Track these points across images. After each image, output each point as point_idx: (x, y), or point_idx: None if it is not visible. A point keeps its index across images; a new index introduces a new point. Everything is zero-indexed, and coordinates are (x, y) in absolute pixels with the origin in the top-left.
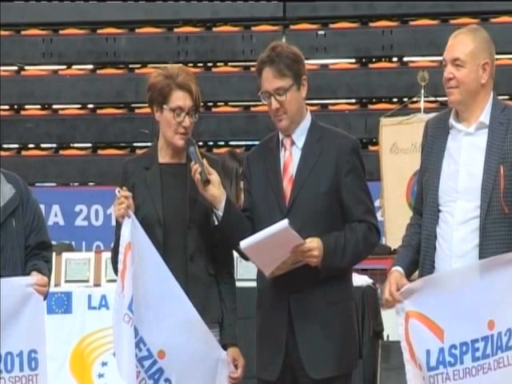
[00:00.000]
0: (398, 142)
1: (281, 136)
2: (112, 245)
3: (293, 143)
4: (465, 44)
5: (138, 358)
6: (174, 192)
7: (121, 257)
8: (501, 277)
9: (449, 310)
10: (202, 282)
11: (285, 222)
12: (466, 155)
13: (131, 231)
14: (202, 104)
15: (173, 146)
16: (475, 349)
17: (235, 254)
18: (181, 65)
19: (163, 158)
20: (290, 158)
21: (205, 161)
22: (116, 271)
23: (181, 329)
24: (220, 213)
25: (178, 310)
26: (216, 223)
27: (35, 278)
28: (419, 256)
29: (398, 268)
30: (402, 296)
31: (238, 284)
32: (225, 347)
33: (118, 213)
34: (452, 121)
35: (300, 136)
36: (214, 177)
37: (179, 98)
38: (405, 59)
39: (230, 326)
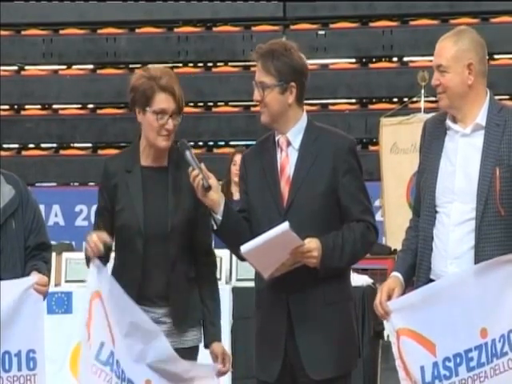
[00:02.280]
0: (398, 141)
1: (277, 136)
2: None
3: (289, 144)
4: (447, 49)
5: None
6: (156, 198)
7: (86, 305)
8: (494, 281)
9: (440, 322)
10: (182, 288)
11: (285, 225)
12: (463, 156)
13: (98, 279)
14: (201, 104)
15: (156, 147)
16: (469, 359)
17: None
18: (163, 66)
19: (145, 160)
20: (287, 159)
21: (202, 165)
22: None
23: (162, 361)
24: (219, 217)
25: (157, 349)
26: (215, 227)
27: (35, 277)
28: None
29: (397, 274)
30: (391, 306)
31: (238, 284)
32: (207, 346)
33: (90, 254)
34: (449, 122)
35: (296, 136)
36: (213, 181)
37: (162, 101)
38: (405, 59)
39: (212, 325)
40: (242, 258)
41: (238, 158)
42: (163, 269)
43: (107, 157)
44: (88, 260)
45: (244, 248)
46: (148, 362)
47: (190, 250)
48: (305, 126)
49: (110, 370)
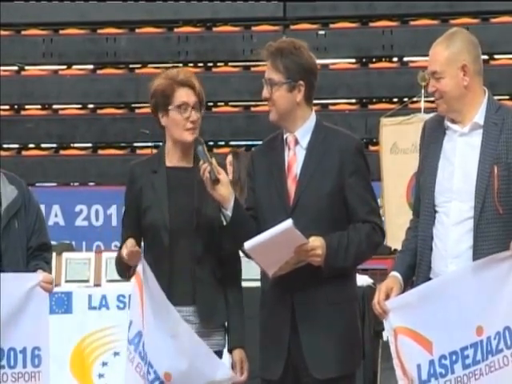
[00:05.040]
0: (398, 142)
1: (285, 135)
2: (115, 244)
3: (297, 143)
4: (439, 54)
5: (149, 382)
6: (181, 196)
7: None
8: (490, 278)
9: (436, 320)
10: (209, 285)
11: (289, 222)
12: (461, 155)
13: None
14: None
15: (182, 144)
16: (465, 356)
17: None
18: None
19: (170, 161)
20: (294, 157)
21: (214, 160)
22: (120, 274)
23: (185, 351)
24: (229, 212)
25: (183, 334)
26: (224, 223)
27: (41, 275)
28: None
29: (395, 273)
30: (389, 305)
31: None
32: (231, 351)
33: (132, 261)
34: (447, 122)
35: (304, 135)
36: (223, 176)
37: (183, 95)
38: (405, 59)
39: (236, 330)
40: (248, 256)
41: (229, 159)
42: (190, 265)
43: (133, 162)
44: (125, 269)
45: (247, 244)
46: (172, 353)
47: (216, 250)
48: (313, 126)
49: (134, 349)
